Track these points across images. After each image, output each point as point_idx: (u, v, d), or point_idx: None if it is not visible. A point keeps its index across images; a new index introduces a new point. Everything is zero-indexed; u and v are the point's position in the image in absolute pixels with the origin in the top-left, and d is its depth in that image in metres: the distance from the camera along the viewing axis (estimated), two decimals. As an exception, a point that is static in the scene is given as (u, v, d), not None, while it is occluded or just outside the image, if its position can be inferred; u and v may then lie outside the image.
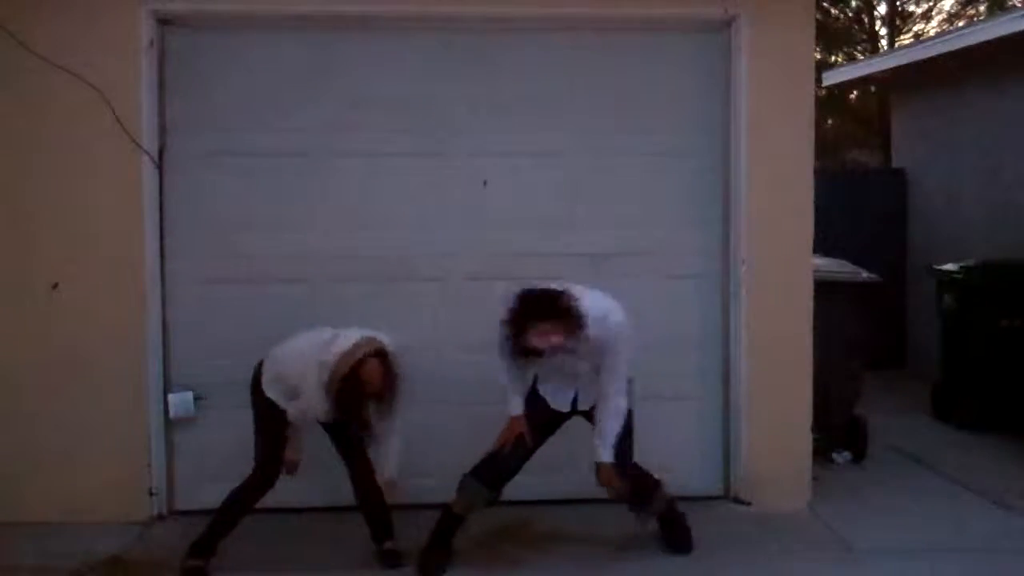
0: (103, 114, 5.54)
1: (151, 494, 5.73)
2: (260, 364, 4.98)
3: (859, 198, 10.89)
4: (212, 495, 5.47)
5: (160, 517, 5.74)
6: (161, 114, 5.75)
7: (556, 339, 4.61)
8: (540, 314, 4.61)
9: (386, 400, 4.87)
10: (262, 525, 5.35)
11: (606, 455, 4.87)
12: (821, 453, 6.61)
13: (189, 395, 5.72)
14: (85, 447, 5.65)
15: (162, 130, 5.75)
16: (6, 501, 5.57)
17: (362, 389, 4.75)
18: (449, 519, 5.05)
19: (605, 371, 4.87)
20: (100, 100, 5.53)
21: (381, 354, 4.78)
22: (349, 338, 4.78)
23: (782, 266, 5.90)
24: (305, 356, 4.81)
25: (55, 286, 5.60)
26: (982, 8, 21.02)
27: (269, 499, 5.10)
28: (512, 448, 4.99)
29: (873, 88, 18.44)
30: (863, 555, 5.32)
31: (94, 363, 5.63)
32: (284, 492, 5.16)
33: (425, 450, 5.49)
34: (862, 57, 19.79)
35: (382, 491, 5.05)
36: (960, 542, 5.54)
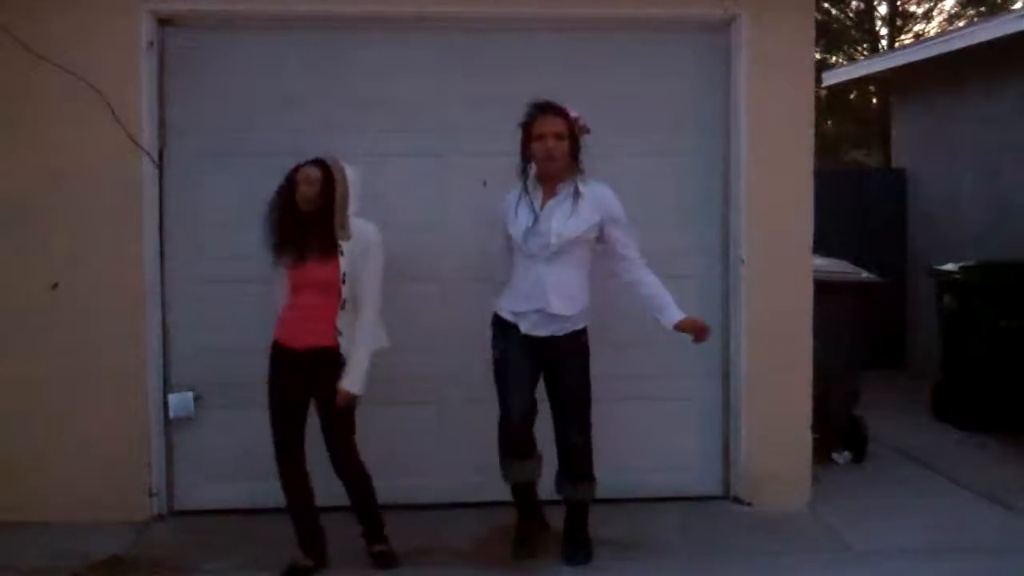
0: (103, 114, 5.54)
1: (151, 494, 5.73)
2: None
3: (859, 198, 10.91)
4: (211, 495, 5.50)
5: (160, 517, 5.74)
6: (161, 114, 5.75)
7: (559, 127, 4.85)
8: (550, 108, 4.91)
9: (328, 212, 4.79)
10: (263, 525, 5.37)
11: (675, 310, 5.00)
12: (821, 453, 6.61)
13: (189, 395, 5.72)
14: (84, 447, 5.65)
15: (162, 130, 5.75)
16: (5, 501, 5.57)
17: (294, 193, 4.76)
18: (517, 494, 5.13)
19: (621, 236, 4.99)
20: (100, 100, 5.53)
21: (320, 162, 4.82)
22: None
23: (782, 266, 5.90)
24: None
25: (54, 286, 5.60)
26: (982, 9, 21.02)
27: (270, 500, 5.10)
28: (511, 391, 4.95)
29: (873, 88, 18.47)
30: (863, 555, 5.32)
31: (93, 363, 5.63)
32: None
33: (425, 450, 5.50)
34: (862, 57, 19.79)
35: (369, 480, 4.97)
36: (960, 542, 5.53)
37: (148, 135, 5.66)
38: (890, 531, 5.66)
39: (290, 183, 4.79)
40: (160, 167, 5.74)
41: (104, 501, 5.62)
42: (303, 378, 4.83)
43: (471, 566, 5.08)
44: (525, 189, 4.96)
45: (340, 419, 4.84)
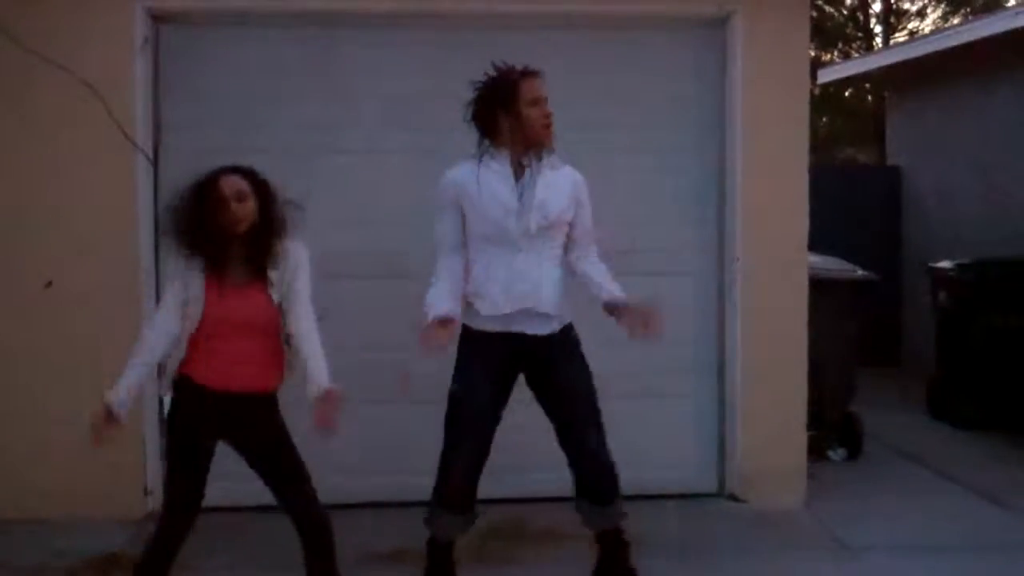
0: (98, 112, 5.52)
1: (146, 493, 5.73)
2: None
3: (854, 196, 10.93)
4: (206, 493, 5.45)
5: (155, 515, 5.72)
6: (156, 112, 5.74)
7: (547, 92, 4.22)
8: (538, 72, 4.27)
9: (264, 235, 3.92)
10: (258, 523, 5.37)
11: (616, 289, 4.34)
12: (816, 450, 6.62)
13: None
14: (80, 446, 5.62)
15: (157, 128, 5.75)
16: (1, 499, 5.56)
17: (218, 197, 3.84)
18: (435, 551, 4.51)
19: (581, 224, 4.38)
20: (95, 98, 5.52)
21: (242, 171, 3.96)
22: None
23: (777, 264, 5.91)
24: None
25: (48, 285, 5.59)
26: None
27: (264, 498, 5.09)
28: (464, 441, 4.32)
29: (868, 86, 18.48)
30: (858, 553, 5.33)
31: (89, 362, 5.61)
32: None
33: (422, 448, 5.48)
34: (857, 55, 19.81)
35: (330, 525, 4.10)
36: (956, 539, 5.55)
37: (143, 132, 5.65)
38: (885, 528, 5.67)
39: (210, 194, 3.89)
40: (155, 164, 5.73)
41: (100, 499, 5.62)
42: (228, 423, 4.05)
43: (465, 565, 5.07)
44: (487, 162, 4.28)
45: (291, 458, 4.06)
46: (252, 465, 4.07)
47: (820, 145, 18.58)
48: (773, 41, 5.86)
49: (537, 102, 4.21)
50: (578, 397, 4.34)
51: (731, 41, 5.90)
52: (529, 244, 4.23)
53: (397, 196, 5.82)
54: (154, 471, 5.75)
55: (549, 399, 4.39)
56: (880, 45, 21.02)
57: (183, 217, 3.94)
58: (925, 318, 9.05)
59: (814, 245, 6.16)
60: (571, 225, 4.35)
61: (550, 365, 4.36)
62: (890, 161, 12.09)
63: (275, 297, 3.94)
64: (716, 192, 6.04)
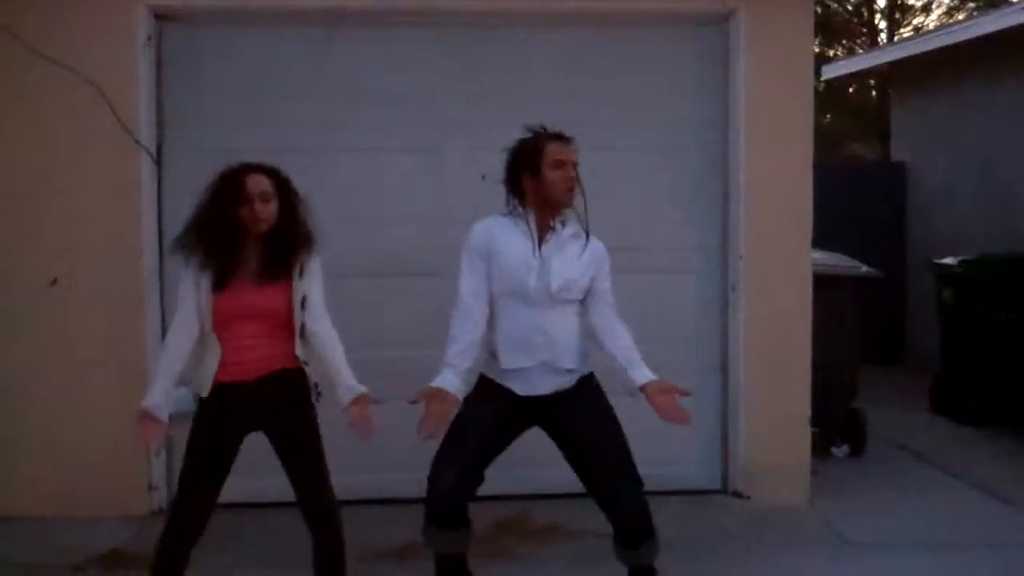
0: (101, 110, 5.54)
1: (150, 488, 5.74)
2: None
3: (858, 192, 10.92)
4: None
5: (159, 512, 5.73)
6: (159, 110, 5.75)
7: (576, 157, 4.21)
8: (566, 137, 4.25)
9: (287, 230, 3.97)
10: (262, 520, 5.39)
11: (643, 370, 4.26)
12: (820, 447, 6.62)
13: (187, 391, 5.70)
14: (84, 443, 5.66)
15: (160, 126, 5.76)
16: (5, 495, 5.58)
17: (243, 194, 3.85)
18: (442, 564, 4.44)
19: (604, 292, 4.33)
20: (98, 96, 5.53)
21: (266, 170, 3.98)
22: None
23: (781, 260, 5.91)
24: None
25: (54, 282, 5.60)
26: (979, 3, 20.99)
27: (268, 494, 5.09)
28: (453, 458, 4.25)
29: (872, 82, 18.46)
30: (862, 549, 5.33)
31: (93, 358, 5.64)
32: (274, 487, 5.14)
33: (427, 443, 5.49)
34: (861, 51, 19.78)
35: (341, 526, 4.15)
36: (959, 536, 5.54)
37: (146, 131, 5.66)
38: (888, 525, 5.67)
39: (235, 191, 3.91)
40: (159, 163, 5.74)
41: (103, 496, 5.63)
42: (253, 414, 4.05)
43: (470, 560, 5.08)
44: (515, 219, 4.28)
45: (315, 450, 4.10)
46: (278, 451, 4.09)
47: (824, 142, 18.55)
48: (776, 38, 5.86)
49: (561, 165, 4.20)
50: (603, 449, 4.29)
51: (734, 38, 5.90)
52: (549, 302, 4.23)
53: (399, 194, 5.83)
54: (158, 468, 5.77)
55: (572, 454, 4.34)
56: (884, 41, 21.00)
57: (205, 211, 3.97)
58: (929, 315, 9.04)
59: (818, 242, 6.16)
60: (589, 292, 4.32)
61: (569, 419, 4.31)
62: (894, 157, 12.08)
63: (292, 295, 3.97)
64: (720, 190, 6.04)
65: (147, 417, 4.00)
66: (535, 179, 4.22)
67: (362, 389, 4.02)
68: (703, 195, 6.05)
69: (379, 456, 5.12)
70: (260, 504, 5.56)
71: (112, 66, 5.58)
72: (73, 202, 5.61)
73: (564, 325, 4.27)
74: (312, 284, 4.06)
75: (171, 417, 5.21)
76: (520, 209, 4.28)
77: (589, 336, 4.35)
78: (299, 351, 4.01)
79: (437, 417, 4.09)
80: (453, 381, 4.17)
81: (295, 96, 5.81)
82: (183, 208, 5.66)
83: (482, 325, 4.26)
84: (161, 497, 5.78)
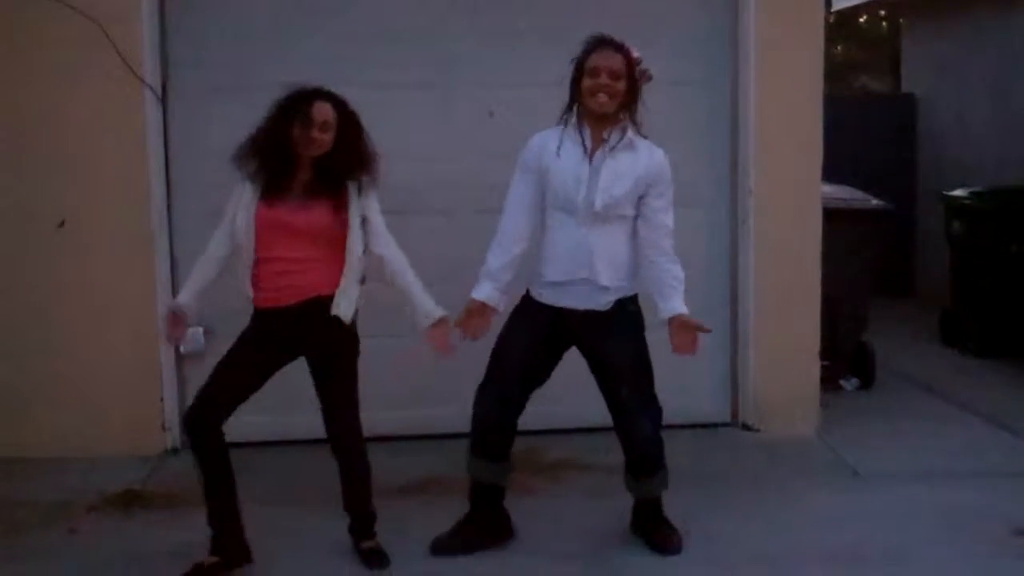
0: (105, 49, 5.48)
1: (164, 428, 5.78)
2: None
3: (868, 124, 10.82)
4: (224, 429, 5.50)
5: (173, 451, 5.79)
6: (163, 48, 5.70)
7: (616, 64, 4.20)
8: (609, 42, 4.27)
9: (344, 154, 4.13)
10: (276, 458, 5.44)
11: (675, 306, 4.27)
12: (829, 380, 6.63)
13: (199, 330, 5.72)
14: (98, 384, 5.69)
15: (164, 64, 5.71)
16: (20, 437, 5.62)
17: (307, 119, 4.03)
18: (478, 489, 4.52)
19: (652, 213, 4.27)
20: (101, 35, 5.47)
21: (331, 96, 4.15)
22: None
23: (791, 193, 5.88)
24: None
25: (61, 224, 5.60)
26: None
27: (282, 432, 5.11)
28: (501, 377, 4.35)
29: (883, 12, 18.23)
30: (871, 480, 5.36)
31: (104, 299, 5.65)
32: (292, 424, 5.19)
33: (442, 380, 5.52)
34: (871, -19, 19.52)
35: (367, 461, 4.32)
36: (968, 467, 5.57)
37: (151, 69, 5.61)
38: (897, 457, 5.70)
39: (299, 113, 4.06)
40: (164, 101, 5.70)
41: (117, 436, 5.67)
42: (292, 338, 4.16)
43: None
44: (569, 131, 4.28)
45: (347, 381, 4.25)
46: (315, 378, 4.23)
47: (834, 73, 18.37)
48: (786, -33, 5.79)
49: (596, 72, 4.19)
50: (626, 384, 4.35)
51: (743, -31, 5.82)
52: (595, 218, 4.23)
53: (405, 130, 5.79)
54: (171, 407, 5.80)
55: (599, 379, 4.43)
56: (895, -30, 20.72)
57: (266, 127, 4.13)
58: (939, 247, 9.01)
59: (828, 174, 6.12)
60: (642, 203, 4.29)
61: (599, 345, 4.36)
62: (905, 89, 11.97)
63: (348, 215, 4.12)
64: (729, 122, 5.99)
65: (174, 315, 4.27)
66: (579, 86, 4.24)
67: (441, 312, 4.21)
68: (713, 128, 6.00)
69: (394, 392, 5.15)
70: (275, 443, 5.62)
71: (116, 4, 5.51)
72: (79, 142, 5.58)
73: (610, 242, 4.27)
74: (371, 205, 4.21)
75: (184, 355, 5.24)
76: (575, 121, 4.29)
77: (636, 256, 4.37)
78: (352, 273, 4.13)
79: (476, 332, 4.30)
80: (493, 294, 4.30)
81: (300, 33, 5.75)
82: (189, 147, 5.72)
83: (526, 238, 4.33)
84: (174, 437, 5.82)
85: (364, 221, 4.18)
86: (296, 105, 4.08)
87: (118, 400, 5.69)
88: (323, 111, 4.06)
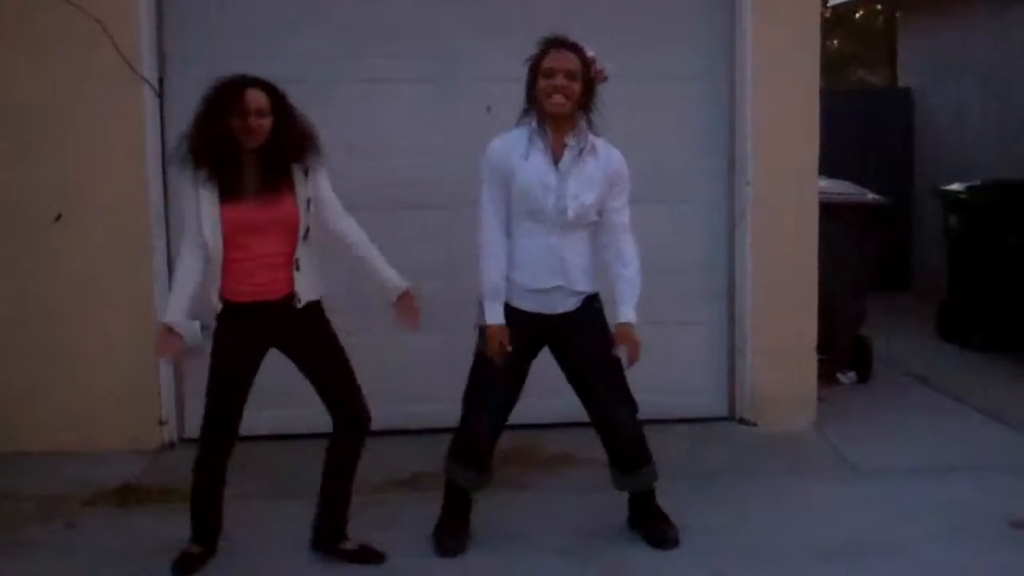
0: (103, 44, 5.48)
1: (160, 423, 5.78)
2: None
3: (865, 118, 10.81)
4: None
5: (170, 445, 5.79)
6: (161, 43, 5.69)
7: (572, 65, 4.11)
8: (563, 43, 4.18)
9: (282, 145, 4.00)
10: (272, 453, 5.43)
11: (630, 313, 4.33)
12: (827, 374, 6.64)
13: (196, 324, 5.69)
14: (94, 377, 5.69)
15: (162, 59, 5.71)
16: (16, 431, 5.62)
17: (240, 108, 3.89)
18: (453, 495, 4.56)
19: (612, 213, 4.31)
20: (99, 30, 5.47)
21: (261, 83, 3.99)
22: None
23: (788, 188, 5.88)
24: None
25: (58, 217, 5.59)
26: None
27: (277, 427, 5.11)
28: (489, 399, 4.38)
29: (879, 7, 18.24)
30: (868, 474, 5.36)
31: (101, 293, 5.64)
32: (293, 419, 5.18)
33: (438, 374, 5.52)
34: (868, -25, 19.52)
35: (364, 430, 4.28)
36: (966, 461, 5.57)
37: (148, 64, 5.61)
38: (895, 451, 5.70)
39: (230, 108, 3.93)
40: (160, 96, 5.69)
41: (114, 430, 5.67)
42: (266, 332, 4.16)
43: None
44: (533, 136, 4.21)
45: (338, 356, 4.22)
46: (301, 368, 4.22)
47: (831, 67, 18.37)
48: (783, -38, 5.78)
49: (551, 73, 4.13)
50: (603, 375, 4.37)
51: (740, -37, 5.82)
52: (564, 226, 4.23)
53: (402, 125, 5.79)
54: (168, 401, 5.80)
55: (571, 375, 4.44)
56: (892, -36, 20.71)
57: (202, 122, 4.00)
58: (936, 241, 9.01)
59: (825, 169, 6.12)
60: (603, 208, 4.31)
61: (569, 341, 4.38)
62: (901, 83, 11.97)
63: (298, 202, 4.03)
64: (726, 117, 5.99)
65: (167, 331, 4.17)
66: (535, 91, 4.19)
67: (405, 284, 4.25)
68: (710, 123, 6.00)
69: (388, 388, 5.12)
70: (276, 437, 5.62)
71: (114, 0, 5.51)
72: (76, 136, 5.57)
73: (580, 248, 4.31)
74: (320, 183, 4.13)
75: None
76: (536, 124, 4.24)
77: (596, 257, 4.39)
78: (300, 254, 4.06)
79: (506, 352, 4.25)
80: (500, 312, 4.28)
81: (297, 27, 5.75)
82: (187, 141, 5.70)
83: (505, 245, 4.29)
84: (171, 431, 5.82)
85: (316, 200, 4.11)
86: (226, 96, 3.95)
87: (115, 395, 5.69)
88: (256, 97, 3.94)
